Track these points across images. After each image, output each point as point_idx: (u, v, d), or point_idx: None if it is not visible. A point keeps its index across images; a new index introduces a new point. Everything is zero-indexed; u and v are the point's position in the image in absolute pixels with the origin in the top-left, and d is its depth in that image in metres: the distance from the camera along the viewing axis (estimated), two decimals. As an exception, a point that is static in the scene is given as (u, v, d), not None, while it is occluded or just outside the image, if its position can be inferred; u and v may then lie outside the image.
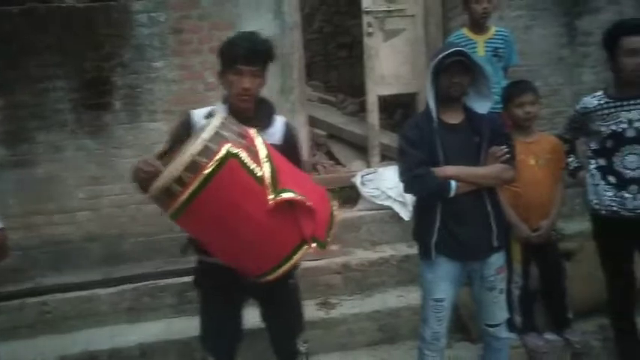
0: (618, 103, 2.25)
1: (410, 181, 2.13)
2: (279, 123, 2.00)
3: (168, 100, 3.32)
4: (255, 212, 1.58)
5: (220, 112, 1.68)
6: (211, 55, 2.95)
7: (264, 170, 1.58)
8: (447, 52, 2.04)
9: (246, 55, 1.82)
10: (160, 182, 1.54)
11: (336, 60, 6.32)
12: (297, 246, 1.66)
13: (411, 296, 2.92)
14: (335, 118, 4.52)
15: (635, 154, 2.20)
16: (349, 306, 2.94)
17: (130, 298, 2.97)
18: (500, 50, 3.21)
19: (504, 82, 3.05)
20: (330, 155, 4.26)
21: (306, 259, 3.08)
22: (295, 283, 2.14)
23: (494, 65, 3.21)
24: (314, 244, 1.68)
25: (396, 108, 4.56)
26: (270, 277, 1.69)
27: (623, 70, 2.21)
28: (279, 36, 3.36)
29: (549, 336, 2.70)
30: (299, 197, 1.59)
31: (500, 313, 2.26)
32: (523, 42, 3.59)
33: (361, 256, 3.21)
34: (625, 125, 2.21)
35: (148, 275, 3.06)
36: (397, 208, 3.38)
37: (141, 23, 3.27)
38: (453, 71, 2.05)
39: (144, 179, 1.67)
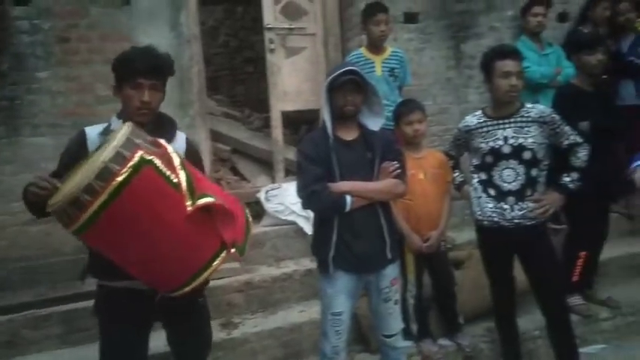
0: (495, 122, 2.45)
1: (307, 197, 2.16)
2: (180, 139, 1.97)
3: (54, 114, 3.08)
4: (173, 219, 1.54)
5: (126, 125, 1.61)
6: (103, 66, 2.80)
7: (180, 177, 1.55)
8: (340, 71, 2.11)
9: (146, 68, 1.78)
10: (66, 192, 1.43)
11: (242, 75, 6.30)
12: (217, 252, 1.65)
13: (312, 310, 2.93)
14: (239, 133, 4.48)
15: (511, 168, 2.39)
16: (251, 325, 2.89)
17: (6, 331, 2.68)
18: (396, 70, 3.38)
19: (400, 101, 3.21)
20: (235, 171, 4.20)
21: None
22: (205, 301, 2.09)
23: (391, 84, 3.38)
24: (233, 250, 1.68)
25: (301, 124, 4.62)
26: (188, 289, 1.64)
27: (497, 90, 2.40)
28: (177, 49, 3.27)
29: (443, 341, 2.85)
30: (218, 202, 1.59)
31: (396, 324, 2.34)
32: (415, 63, 3.82)
33: (264, 272, 3.18)
34: (501, 142, 2.40)
35: (27, 304, 2.78)
36: (301, 222, 3.39)
37: (22, 30, 3.02)
38: (346, 89, 2.13)
39: (38, 196, 1.56)
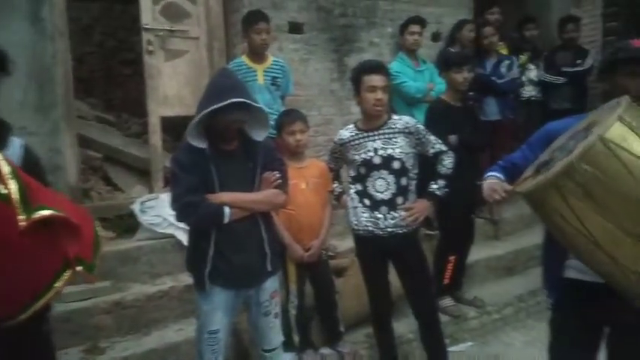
0: (365, 134, 2.51)
1: (182, 209, 2.04)
2: (16, 145, 1.71)
3: None
4: (3, 236, 1.34)
5: None
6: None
7: (11, 188, 1.34)
8: (225, 103, 1.95)
9: None
10: None
11: (120, 77, 5.88)
12: (59, 271, 1.47)
13: (191, 328, 2.74)
14: (114, 139, 4.16)
15: (382, 178, 2.46)
16: (121, 348, 2.65)
17: None
18: (279, 79, 3.37)
19: (282, 110, 3.19)
20: (108, 180, 3.88)
21: (72, 299, 2.73)
22: (49, 330, 1.82)
23: (273, 93, 3.36)
24: (79, 267, 1.50)
25: (184, 130, 4.41)
26: (26, 315, 1.44)
27: (365, 104, 2.47)
28: (37, 45, 2.95)
29: (324, 351, 2.86)
30: (58, 214, 1.41)
31: (276, 338, 2.30)
32: (300, 74, 3.84)
33: (138, 290, 2.95)
34: (372, 153, 2.47)
35: None
36: (180, 235, 3.21)
37: None
38: (233, 111, 1.99)
39: None
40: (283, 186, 2.21)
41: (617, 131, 1.24)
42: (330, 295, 2.85)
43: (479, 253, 3.85)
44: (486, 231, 4.20)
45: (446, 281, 3.35)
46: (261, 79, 3.30)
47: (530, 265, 4.05)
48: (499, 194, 1.72)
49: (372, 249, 2.55)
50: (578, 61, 4.62)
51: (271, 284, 2.24)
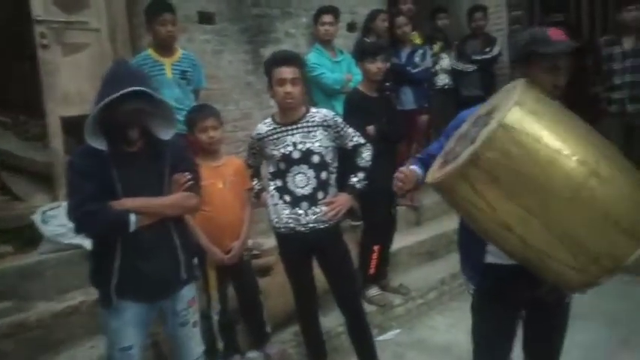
0: (283, 128, 2.44)
1: (80, 219, 1.87)
2: None
3: None
4: None
5: None
6: None
7: None
8: (119, 94, 1.77)
9: None
10: None
11: (17, 74, 5.36)
12: None
13: (104, 345, 2.57)
14: (9, 144, 3.77)
15: (302, 173, 2.41)
16: (26, 375, 2.41)
17: None
18: (189, 73, 3.20)
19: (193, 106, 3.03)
20: (5, 189, 3.51)
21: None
22: None
23: (184, 88, 3.19)
24: None
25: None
26: None
27: (276, 97, 2.41)
28: None
29: (251, 354, 2.77)
30: None
31: (197, 348, 2.18)
32: (214, 66, 3.67)
33: (43, 309, 2.69)
34: (291, 148, 2.41)
35: None
36: (89, 245, 2.95)
37: None
38: (131, 100, 1.80)
39: None
40: (195, 187, 2.09)
41: (515, 116, 1.26)
42: (254, 296, 2.76)
43: (402, 240, 3.92)
44: (408, 218, 4.29)
45: (371, 271, 3.37)
46: (169, 73, 3.12)
47: (452, 249, 4.15)
48: (401, 180, 1.74)
49: (295, 246, 2.49)
50: (487, 49, 4.81)
51: (188, 292, 2.12)
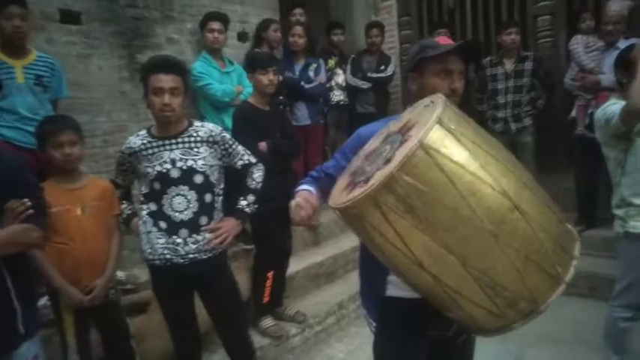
0: (160, 142, 2.11)
1: None
2: None
3: None
4: None
5: None
6: None
7: None
8: None
9: None
10: None
11: None
12: None
13: None
14: None
15: (182, 195, 2.08)
16: None
17: None
18: (45, 79, 2.72)
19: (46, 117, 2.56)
20: None
21: None
22: None
23: (39, 95, 2.71)
24: None
25: None
26: None
27: (152, 108, 2.09)
28: None
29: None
30: None
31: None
32: (80, 72, 3.19)
33: None
34: (169, 166, 2.08)
35: None
36: None
37: None
38: None
39: None
40: (38, 217, 1.68)
41: (436, 135, 1.06)
42: (123, 342, 2.34)
43: (299, 263, 3.70)
44: (305, 238, 4.08)
45: (265, 300, 3.08)
46: (20, 77, 2.61)
47: (350, 269, 4.04)
48: (306, 211, 1.47)
49: (172, 280, 2.13)
50: (382, 67, 4.81)
51: (29, 349, 1.70)
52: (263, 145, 2.88)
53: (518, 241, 1.08)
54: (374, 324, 1.64)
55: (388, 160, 1.09)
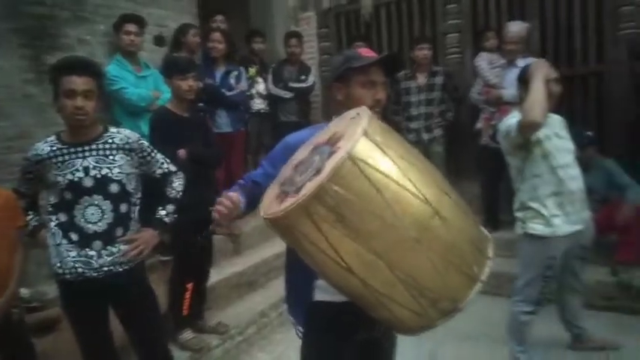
0: (72, 149, 1.99)
1: None
2: None
3: None
4: None
5: None
6: None
7: None
8: None
9: None
10: None
11: None
12: None
13: None
14: None
15: (95, 205, 1.98)
16: None
17: None
18: None
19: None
20: None
21: None
22: None
23: None
24: None
25: None
26: None
27: (63, 111, 1.97)
28: None
29: None
30: None
31: None
32: (-24, 71, 2.92)
33: None
34: (82, 174, 1.96)
35: None
36: None
37: None
38: None
39: None
40: None
41: (363, 147, 1.11)
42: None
43: (219, 273, 3.63)
44: (225, 248, 4.01)
45: (184, 312, 2.99)
46: None
47: (272, 277, 4.04)
48: (225, 206, 1.46)
49: (85, 295, 2.01)
50: (302, 77, 4.88)
51: None
52: (182, 153, 2.80)
53: (440, 245, 1.15)
54: (301, 329, 1.65)
55: (318, 171, 1.12)
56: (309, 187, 1.10)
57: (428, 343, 3.03)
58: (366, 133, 1.12)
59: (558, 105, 2.60)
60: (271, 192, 1.32)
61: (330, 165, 1.09)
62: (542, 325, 2.81)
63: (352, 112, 1.31)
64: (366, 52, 1.62)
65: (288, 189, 1.19)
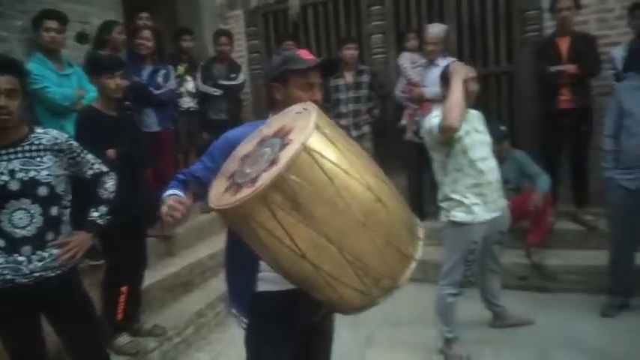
0: None
1: None
2: None
3: None
4: None
5: None
6: None
7: None
8: None
9: None
10: None
11: None
12: None
13: None
14: None
15: (23, 209, 1.90)
16: None
17: None
18: None
19: None
20: None
21: None
22: None
23: None
24: None
25: None
26: None
27: None
28: None
29: None
30: None
31: None
32: None
33: None
34: (7, 177, 1.88)
35: None
36: None
37: None
38: None
39: None
40: None
41: (315, 139, 1.20)
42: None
43: (154, 275, 3.56)
44: (159, 249, 3.93)
45: (119, 317, 2.92)
46: None
47: (208, 277, 4.02)
48: (180, 212, 1.49)
49: (14, 303, 1.93)
50: (232, 75, 4.87)
51: None
52: (111, 153, 2.74)
53: (381, 227, 1.27)
54: (245, 320, 1.70)
55: (273, 162, 1.19)
56: (265, 177, 1.16)
57: (364, 329, 3.18)
58: (317, 127, 1.21)
59: (476, 101, 2.82)
60: (219, 184, 1.36)
61: (286, 155, 1.16)
62: (466, 305, 3.05)
63: (297, 107, 1.39)
64: (305, 55, 1.67)
65: (241, 180, 1.25)
